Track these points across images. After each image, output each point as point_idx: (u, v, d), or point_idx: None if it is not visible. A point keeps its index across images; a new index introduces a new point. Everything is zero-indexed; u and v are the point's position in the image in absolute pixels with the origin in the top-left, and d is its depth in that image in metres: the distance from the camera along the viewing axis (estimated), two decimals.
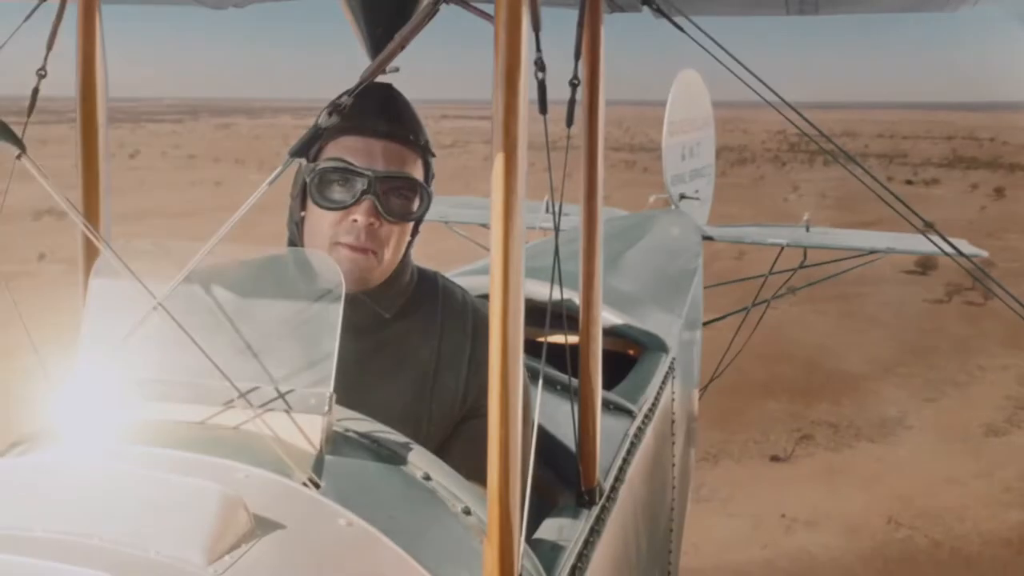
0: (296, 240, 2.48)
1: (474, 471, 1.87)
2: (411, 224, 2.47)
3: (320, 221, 2.39)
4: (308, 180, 2.37)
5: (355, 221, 2.35)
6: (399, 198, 2.39)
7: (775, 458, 11.24)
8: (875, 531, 9.08)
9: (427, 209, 2.46)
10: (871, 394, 13.34)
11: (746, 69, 2.37)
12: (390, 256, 2.43)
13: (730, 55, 2.35)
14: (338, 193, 2.36)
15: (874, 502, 9.77)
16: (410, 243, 2.52)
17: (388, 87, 2.48)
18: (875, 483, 10.25)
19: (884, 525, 9.03)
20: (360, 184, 2.34)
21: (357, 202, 2.34)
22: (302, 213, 2.44)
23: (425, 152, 2.47)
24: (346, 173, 2.35)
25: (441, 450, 2.35)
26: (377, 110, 2.40)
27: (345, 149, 2.37)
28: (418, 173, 2.44)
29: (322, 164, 2.36)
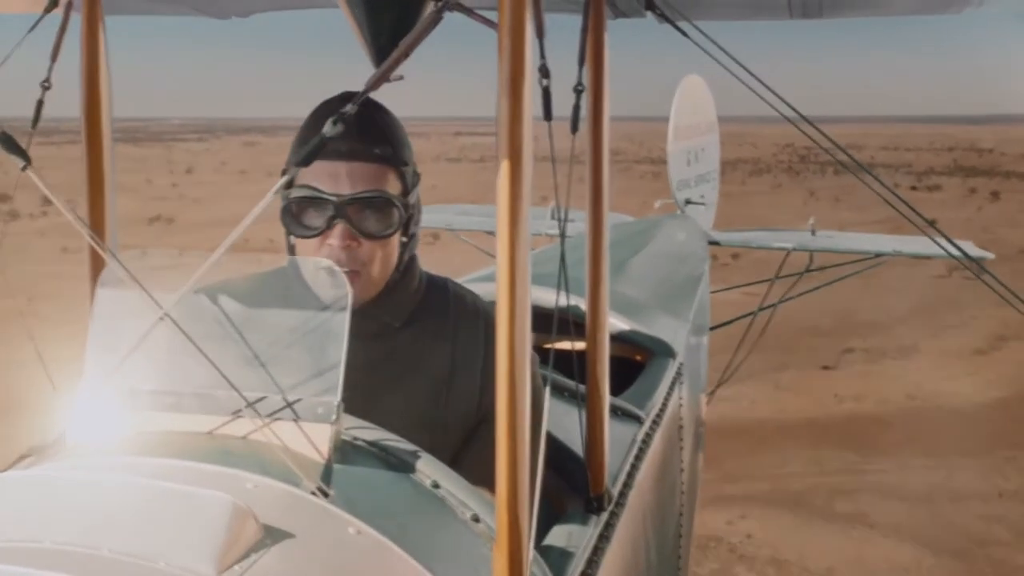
0: None
1: (487, 478, 1.87)
2: (396, 236, 2.44)
3: (303, 247, 2.39)
4: (282, 209, 2.38)
5: (331, 245, 2.35)
6: (373, 216, 2.37)
7: (825, 367, 15.67)
8: (900, 402, 14.37)
9: (408, 219, 2.44)
10: (891, 333, 18.30)
11: (751, 75, 2.37)
12: (378, 271, 2.42)
13: (735, 60, 2.35)
14: (311, 219, 2.36)
15: (898, 388, 14.81)
16: (406, 250, 2.50)
17: (346, 100, 2.43)
18: (898, 379, 15.29)
19: (905, 400, 14.41)
20: (329, 210, 2.33)
21: (329, 227, 2.34)
22: (291, 239, 2.45)
23: (396, 163, 2.42)
24: (314, 201, 2.34)
25: (457, 455, 2.34)
26: (340, 131, 2.37)
27: (312, 175, 2.35)
28: (391, 186, 2.40)
29: (293, 193, 2.36)
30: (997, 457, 12.25)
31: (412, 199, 2.47)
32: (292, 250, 2.45)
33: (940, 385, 15.42)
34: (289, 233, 2.44)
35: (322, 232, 2.35)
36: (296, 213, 2.37)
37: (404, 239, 2.48)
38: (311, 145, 1.83)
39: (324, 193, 2.33)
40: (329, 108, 2.39)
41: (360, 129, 2.38)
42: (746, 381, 11.81)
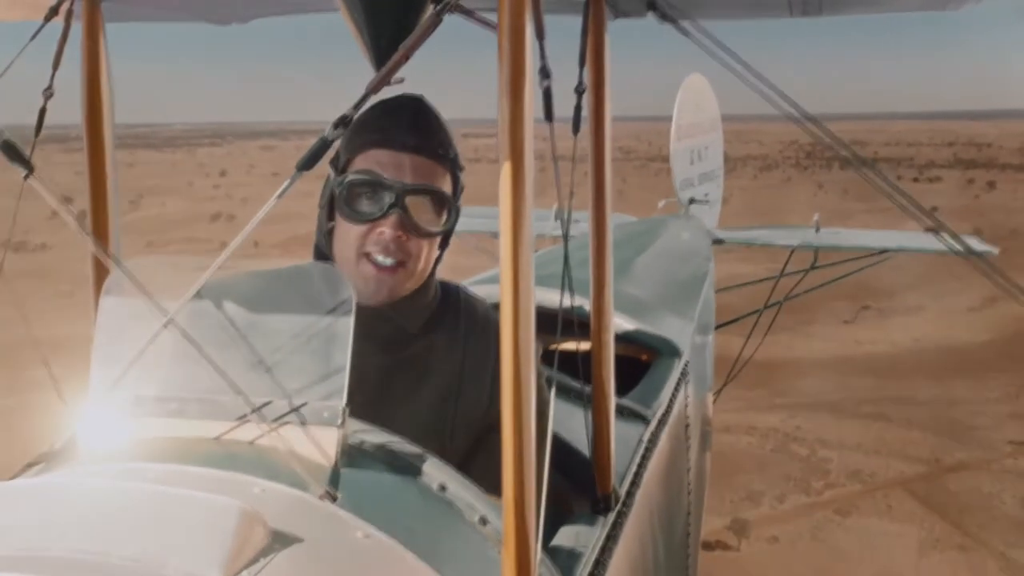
0: (324, 249, 2.49)
1: (498, 482, 1.87)
2: (439, 237, 2.47)
3: (348, 233, 2.40)
4: (336, 192, 2.38)
5: (382, 233, 2.36)
6: (427, 211, 2.40)
7: (846, 321, 20.84)
8: (908, 344, 19.53)
9: (455, 223, 2.47)
10: (900, 296, 23.08)
11: (754, 73, 2.37)
12: (420, 268, 2.44)
13: (738, 59, 2.35)
14: (366, 205, 2.37)
15: (906, 335, 19.17)
16: (438, 257, 2.52)
17: (418, 100, 2.48)
18: (907, 329, 19.60)
19: (913, 343, 19.39)
20: (388, 197, 2.35)
21: (385, 215, 2.35)
22: (331, 223, 2.45)
23: (454, 166, 2.47)
24: (374, 186, 2.36)
25: (465, 462, 2.34)
26: (407, 124, 2.40)
27: (374, 162, 2.37)
28: (446, 186, 2.44)
29: (351, 176, 2.37)
30: (985, 377, 17.90)
31: (458, 205, 2.50)
32: (328, 235, 2.46)
33: (941, 332, 20.96)
34: (330, 219, 2.44)
35: (376, 219, 2.36)
36: (349, 197, 2.37)
37: (439, 247, 2.51)
38: (313, 148, 1.83)
39: (386, 180, 2.35)
40: (392, 104, 2.43)
41: (427, 126, 2.43)
42: (781, 332, 13.14)
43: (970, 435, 15.99)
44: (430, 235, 2.42)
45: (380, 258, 2.37)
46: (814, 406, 15.81)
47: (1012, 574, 13.67)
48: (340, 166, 2.43)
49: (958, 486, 15.93)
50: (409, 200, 2.36)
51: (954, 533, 15.31)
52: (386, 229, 2.36)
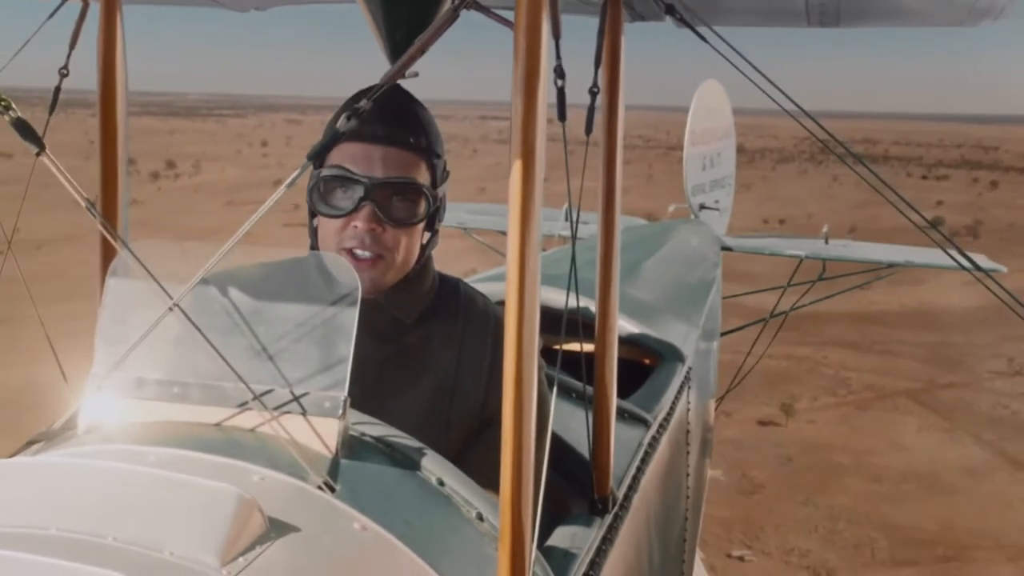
0: (314, 245, 2.49)
1: (492, 479, 1.87)
2: (421, 227, 2.46)
3: (327, 227, 2.40)
4: (310, 187, 2.38)
5: (356, 227, 2.36)
6: (401, 203, 2.38)
7: (858, 287, 21.57)
8: (914, 306, 31.48)
9: (434, 211, 2.46)
10: (906, 270, 23.94)
11: (767, 79, 2.37)
12: (401, 259, 2.43)
13: (752, 65, 2.35)
14: (339, 200, 2.36)
15: (912, 300, 27.19)
16: (427, 247, 2.51)
17: (391, 89, 2.47)
18: (912, 295, 25.81)
19: (918, 305, 28.84)
20: (358, 191, 2.34)
21: (357, 209, 2.35)
22: (315, 219, 2.45)
23: (429, 155, 2.44)
24: (344, 180, 2.35)
25: (459, 458, 2.35)
26: (377, 115, 2.37)
27: (346, 156, 2.37)
28: (421, 176, 2.42)
29: (324, 172, 2.37)
30: (973, 330, 32.20)
31: (440, 192, 2.48)
32: (315, 232, 2.46)
33: (941, 298, 27.30)
34: (313, 214, 2.45)
35: (348, 213, 2.36)
36: (324, 192, 2.37)
37: (427, 233, 2.49)
38: (324, 140, 1.83)
39: (355, 174, 2.35)
40: (360, 98, 2.41)
41: (398, 116, 2.40)
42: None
43: (959, 366, 24.76)
44: (407, 225, 2.41)
45: (358, 251, 2.37)
46: (837, 344, 22.27)
47: (981, 447, 26.43)
48: (317, 161, 2.43)
49: (947, 396, 24.77)
50: (380, 193, 2.35)
51: (942, 423, 26.50)
52: (360, 223, 2.35)
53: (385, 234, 2.38)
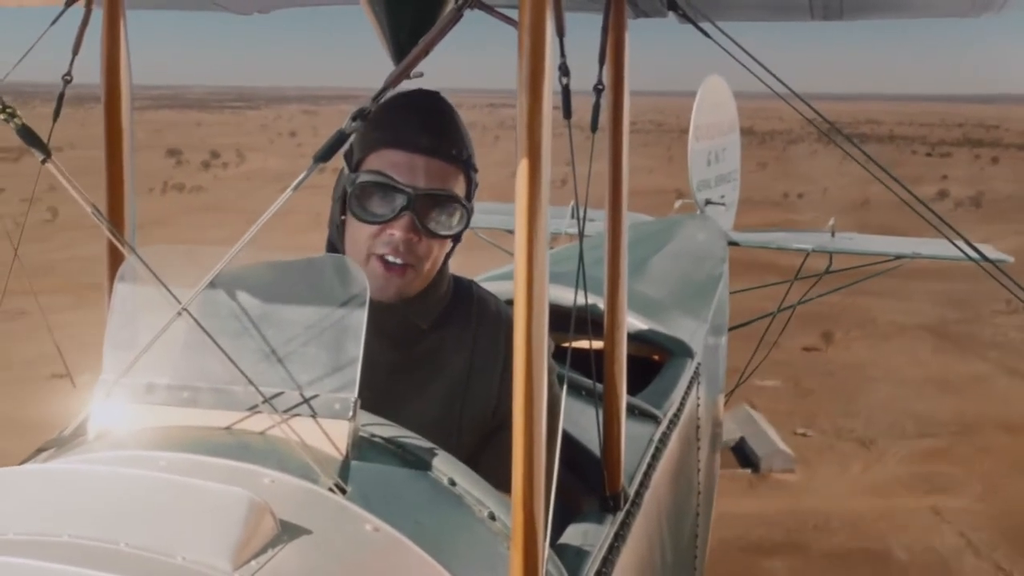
0: (336, 242, 2.48)
1: (503, 480, 1.87)
2: (450, 238, 2.46)
3: (359, 231, 2.38)
4: (348, 190, 2.37)
5: (393, 235, 2.34)
6: (439, 215, 2.37)
7: (864, 279, 24.17)
8: (926, 270, 26.41)
9: (467, 225, 2.45)
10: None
11: (770, 73, 2.37)
12: (427, 270, 2.43)
13: (755, 60, 2.35)
14: (377, 207, 2.35)
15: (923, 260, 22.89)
16: (449, 255, 2.51)
17: (434, 97, 2.46)
18: (927, 262, 21.91)
19: (933, 271, 31.05)
20: (400, 200, 2.33)
21: (396, 217, 2.34)
22: (342, 217, 2.44)
23: (468, 167, 2.44)
24: (386, 188, 2.34)
25: (472, 460, 2.35)
26: (421, 124, 2.38)
27: (387, 162, 2.35)
28: (459, 189, 2.42)
29: (363, 177, 2.35)
30: (980, 290, 31.51)
31: (471, 205, 2.48)
32: (340, 228, 2.45)
33: (953, 268, 24.45)
34: (342, 214, 2.44)
35: (387, 221, 2.34)
36: (362, 197, 2.35)
37: (452, 243, 2.49)
38: (330, 141, 1.83)
39: (398, 183, 2.33)
40: (406, 102, 2.41)
41: (441, 127, 2.40)
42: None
43: (966, 306, 36.25)
44: (441, 238, 2.41)
45: (390, 258, 2.36)
46: (862, 293, 20.35)
47: (985, 362, 35.19)
48: (353, 163, 2.42)
49: (957, 329, 36.75)
50: (421, 203, 2.34)
51: (953, 347, 36.02)
52: (397, 232, 2.34)
53: (420, 244, 2.37)
